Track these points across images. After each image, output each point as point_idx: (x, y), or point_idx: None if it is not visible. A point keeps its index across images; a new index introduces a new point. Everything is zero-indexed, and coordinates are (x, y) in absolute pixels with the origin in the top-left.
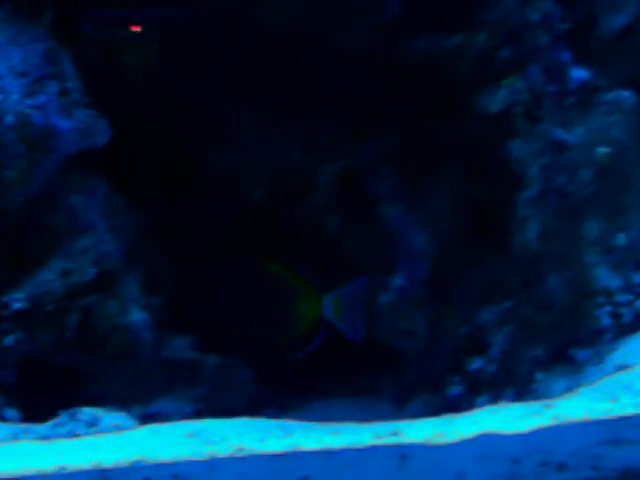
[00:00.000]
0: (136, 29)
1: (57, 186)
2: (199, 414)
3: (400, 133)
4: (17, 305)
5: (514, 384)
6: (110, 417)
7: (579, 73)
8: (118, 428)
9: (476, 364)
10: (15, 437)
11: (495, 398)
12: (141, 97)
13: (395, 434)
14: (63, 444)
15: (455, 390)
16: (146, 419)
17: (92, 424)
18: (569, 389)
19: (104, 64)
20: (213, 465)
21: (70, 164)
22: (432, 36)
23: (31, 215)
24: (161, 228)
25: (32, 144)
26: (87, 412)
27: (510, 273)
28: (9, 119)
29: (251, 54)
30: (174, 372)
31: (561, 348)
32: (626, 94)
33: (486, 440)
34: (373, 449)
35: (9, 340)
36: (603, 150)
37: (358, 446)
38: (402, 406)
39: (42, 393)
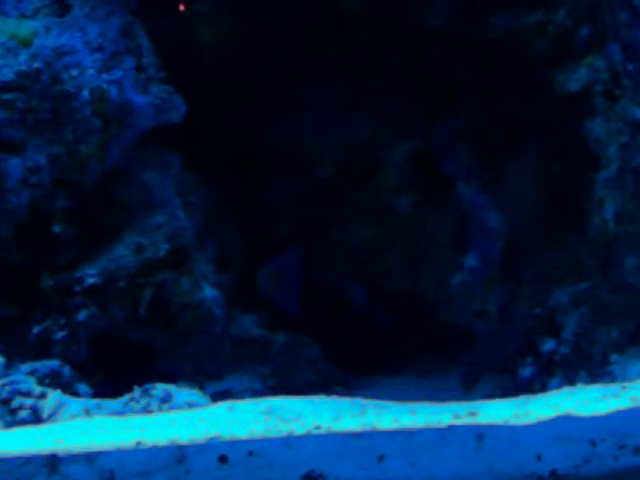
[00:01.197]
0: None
1: (132, 162)
2: (268, 391)
3: (477, 112)
4: (90, 280)
5: (588, 366)
6: (183, 394)
7: None
8: (191, 405)
9: (549, 345)
10: (88, 412)
11: (568, 380)
12: (214, 73)
13: (472, 414)
14: (139, 420)
15: (527, 371)
16: (217, 396)
17: (165, 400)
18: None
19: (178, 40)
20: (289, 442)
21: (145, 140)
22: (512, 13)
23: (106, 190)
24: (232, 205)
25: (108, 119)
26: (160, 388)
27: (586, 254)
28: (85, 94)
29: (326, 31)
30: (243, 349)
31: (637, 331)
32: None
33: (564, 422)
34: (451, 429)
35: (82, 315)
36: None
37: (435, 426)
38: (471, 387)
39: (114, 369)
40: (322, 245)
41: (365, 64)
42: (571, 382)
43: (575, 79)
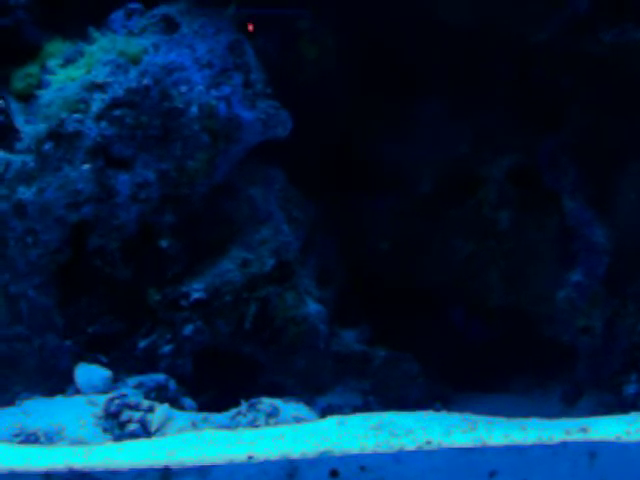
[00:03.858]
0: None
1: (238, 176)
2: (368, 407)
3: (582, 126)
4: (196, 295)
5: None
6: (290, 408)
7: None
8: (298, 419)
9: None
10: (195, 426)
11: None
12: (318, 89)
13: (584, 430)
14: (248, 433)
15: (631, 388)
16: (322, 411)
17: (272, 414)
18: None
19: (283, 56)
20: (400, 457)
21: (251, 155)
22: (620, 28)
23: (212, 205)
24: (334, 220)
25: (216, 134)
26: (267, 402)
27: None
28: (194, 110)
29: (429, 47)
30: (344, 365)
31: None
32: None
33: None
34: (563, 445)
35: (188, 330)
36: None
37: (547, 442)
38: (573, 404)
39: (219, 383)
40: (422, 261)
41: (467, 78)
42: None
43: None
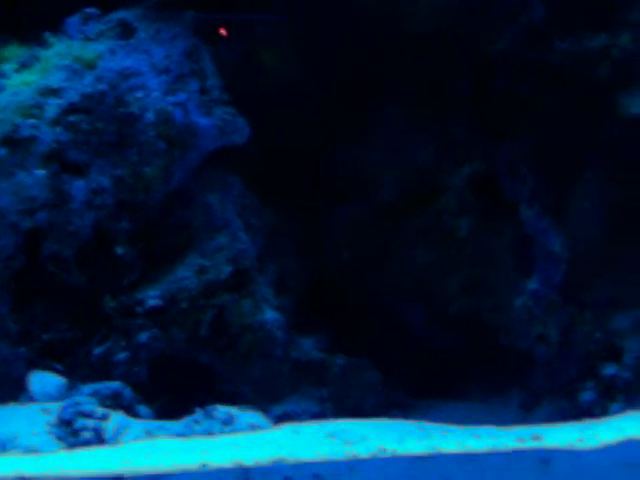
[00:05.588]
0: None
1: (194, 183)
2: (326, 414)
3: (540, 135)
4: (152, 302)
5: None
6: (245, 416)
7: None
8: (254, 427)
9: (610, 370)
10: (150, 434)
11: (630, 405)
12: (277, 97)
13: (537, 438)
14: (202, 442)
15: (587, 396)
16: (278, 419)
17: (227, 422)
18: None
19: (242, 63)
20: (353, 465)
21: (207, 162)
22: (575, 37)
23: (168, 212)
24: (295, 228)
25: (172, 141)
26: (222, 410)
27: None
28: (150, 116)
29: (393, 57)
30: (302, 372)
31: None
32: None
33: (630, 447)
34: (516, 453)
35: (143, 337)
36: None
37: (501, 450)
38: (530, 411)
39: (175, 390)
40: (383, 269)
41: (428, 87)
42: (632, 407)
43: (639, 102)
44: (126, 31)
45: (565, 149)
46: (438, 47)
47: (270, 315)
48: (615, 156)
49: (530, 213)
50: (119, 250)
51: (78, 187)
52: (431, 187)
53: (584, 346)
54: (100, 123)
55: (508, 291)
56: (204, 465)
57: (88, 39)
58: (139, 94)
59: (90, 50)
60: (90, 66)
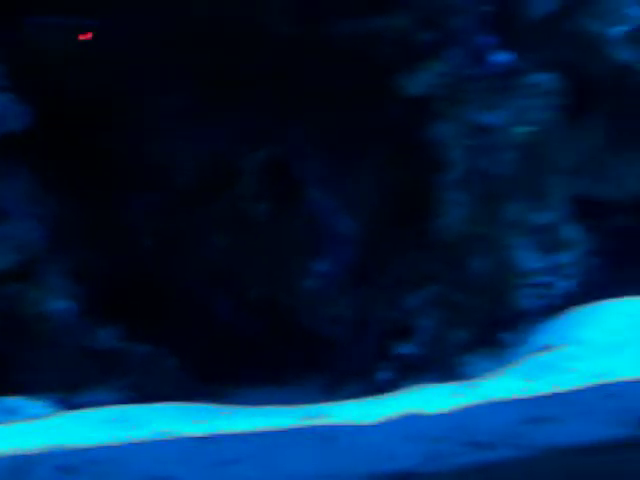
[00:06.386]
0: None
1: None
2: (127, 402)
3: (326, 117)
4: None
5: (442, 368)
6: (33, 406)
7: (502, 56)
8: (41, 415)
9: (404, 348)
10: None
11: (424, 381)
12: (65, 83)
13: (322, 416)
14: None
15: (384, 375)
16: (72, 407)
17: (13, 412)
18: (494, 370)
19: (26, 49)
20: (133, 450)
21: None
22: (354, 19)
23: None
24: (87, 217)
25: None
26: (8, 400)
27: (435, 257)
28: None
29: (177, 40)
30: (101, 361)
31: (487, 330)
32: (547, 77)
33: (409, 420)
34: (300, 431)
35: None
36: (521, 130)
37: (284, 428)
38: (334, 392)
39: None
40: (185, 256)
41: (220, 71)
42: (426, 383)
43: (418, 83)
44: None
45: (351, 131)
46: (226, 31)
47: (62, 304)
48: (399, 137)
49: (318, 194)
50: None
51: None
52: (227, 172)
53: (379, 326)
54: None
55: (302, 273)
56: None
57: None
58: None
59: None
60: None
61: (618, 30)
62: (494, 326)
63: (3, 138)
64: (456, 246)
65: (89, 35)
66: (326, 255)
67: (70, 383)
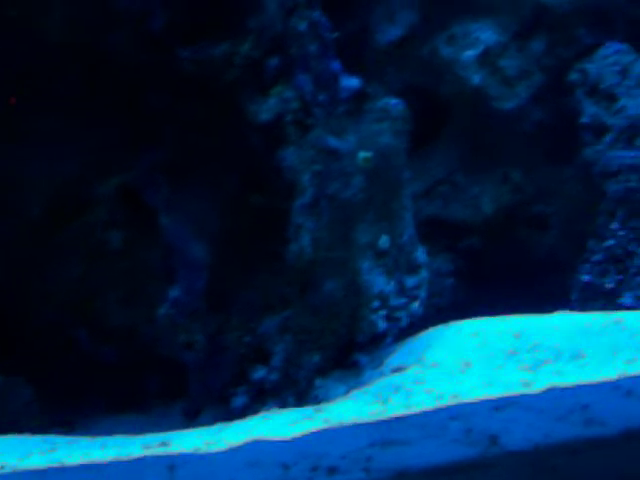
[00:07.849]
0: None
1: None
2: None
3: (176, 143)
4: None
5: (295, 392)
6: None
7: (350, 82)
8: None
9: (259, 373)
10: None
11: (279, 406)
12: None
13: (164, 444)
14: None
15: (240, 400)
16: None
17: None
18: (347, 393)
19: None
20: None
21: None
22: (200, 45)
23: None
24: None
25: None
26: None
27: (287, 281)
28: None
29: (37, 63)
30: None
31: (340, 353)
32: (395, 102)
33: (255, 447)
34: (141, 461)
35: None
36: (363, 155)
37: (126, 458)
38: (193, 419)
39: None
40: (37, 286)
41: (75, 95)
42: (281, 408)
43: (266, 109)
44: None
45: (203, 157)
46: (81, 58)
47: None
48: (249, 163)
49: (168, 221)
50: None
51: None
52: (81, 200)
53: (235, 351)
54: None
55: (155, 301)
56: None
57: None
58: None
59: None
60: None
61: (469, 54)
62: (348, 349)
63: None
64: (307, 270)
65: None
66: (180, 282)
67: None
